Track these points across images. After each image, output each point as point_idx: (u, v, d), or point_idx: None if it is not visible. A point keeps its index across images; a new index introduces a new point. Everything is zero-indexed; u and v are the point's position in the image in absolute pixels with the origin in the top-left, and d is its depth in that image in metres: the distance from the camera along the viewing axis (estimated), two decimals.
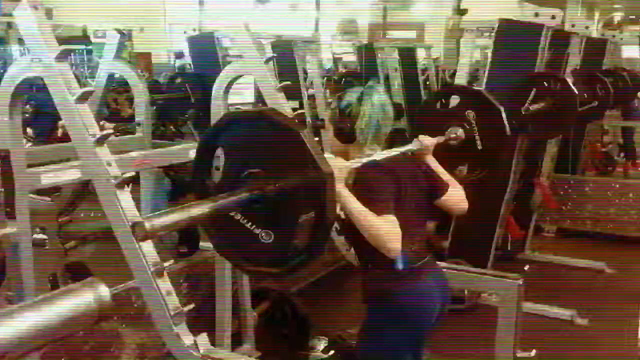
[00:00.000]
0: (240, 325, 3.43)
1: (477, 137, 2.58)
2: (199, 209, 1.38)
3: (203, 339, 1.79)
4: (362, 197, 1.78)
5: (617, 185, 5.55)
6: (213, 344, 2.99)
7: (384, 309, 1.95)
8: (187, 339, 1.77)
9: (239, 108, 3.83)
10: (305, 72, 6.41)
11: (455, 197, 2.13)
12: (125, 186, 1.85)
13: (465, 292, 3.96)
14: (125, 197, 1.83)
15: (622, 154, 8.62)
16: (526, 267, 2.57)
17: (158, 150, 2.86)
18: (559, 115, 3.59)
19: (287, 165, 1.45)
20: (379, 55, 7.50)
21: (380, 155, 1.92)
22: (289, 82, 2.83)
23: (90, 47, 17.73)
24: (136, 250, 1.82)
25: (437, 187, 2.09)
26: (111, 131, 1.88)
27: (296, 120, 1.51)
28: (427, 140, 2.16)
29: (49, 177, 2.13)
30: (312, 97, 6.06)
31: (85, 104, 1.88)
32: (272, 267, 1.56)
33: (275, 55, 2.96)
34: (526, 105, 3.56)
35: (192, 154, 2.80)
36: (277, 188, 1.45)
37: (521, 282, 2.35)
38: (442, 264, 2.46)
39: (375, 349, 1.98)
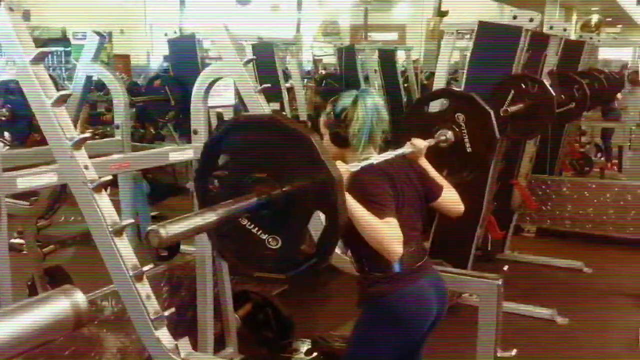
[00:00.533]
0: (222, 328, 3.42)
1: (466, 140, 2.59)
2: (211, 215, 1.36)
3: (184, 342, 1.77)
4: (362, 201, 1.77)
5: (594, 186, 5.62)
6: (195, 347, 2.99)
7: (378, 311, 1.94)
8: (168, 343, 1.76)
9: (219, 110, 3.83)
10: (285, 74, 6.41)
11: (451, 199, 2.13)
12: (103, 190, 1.83)
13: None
14: (103, 201, 1.82)
15: (599, 154, 8.76)
16: (505, 267, 2.59)
17: (137, 154, 2.84)
18: (536, 116, 3.62)
19: (295, 169, 1.44)
20: (359, 56, 7.52)
21: (376, 158, 1.92)
22: (268, 85, 2.83)
23: (69, 48, 17.54)
24: (114, 254, 1.80)
25: (432, 190, 2.09)
26: (88, 135, 1.85)
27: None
28: (420, 143, 2.16)
29: (26, 181, 2.09)
30: (292, 99, 6.08)
31: (62, 107, 1.86)
32: (279, 272, 1.57)
33: (254, 57, 2.94)
34: (505, 106, 3.59)
35: (172, 157, 2.80)
36: (285, 193, 1.44)
37: (501, 282, 2.37)
38: None
39: (366, 352, 1.97)
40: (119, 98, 3.18)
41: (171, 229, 1.25)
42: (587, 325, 3.87)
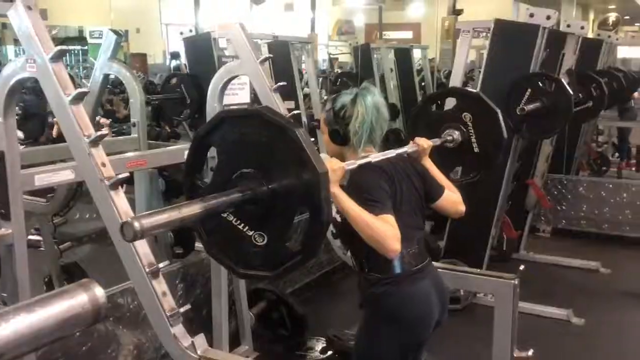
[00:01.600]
0: (237, 325, 3.43)
1: (473, 140, 2.57)
2: (190, 209, 1.34)
3: (201, 339, 1.78)
4: (359, 198, 1.76)
5: (611, 186, 5.56)
6: (210, 344, 3.00)
7: (380, 313, 1.93)
8: (185, 340, 1.77)
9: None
10: (300, 73, 6.42)
11: (452, 199, 2.11)
12: (120, 187, 1.85)
13: (461, 292, 3.97)
14: (119, 198, 1.83)
15: (616, 154, 8.66)
16: (521, 267, 2.56)
17: (153, 151, 2.86)
18: (553, 115, 3.59)
19: (282, 165, 1.42)
20: (375, 55, 7.51)
21: (375, 157, 1.91)
22: (284, 83, 2.83)
23: (86, 47, 17.72)
24: (131, 251, 1.81)
25: (433, 190, 2.07)
26: (107, 132, 1.86)
27: (291, 120, 1.48)
28: (424, 142, 2.13)
29: (44, 177, 2.11)
30: (307, 97, 6.09)
31: (80, 105, 1.88)
32: (265, 269, 1.53)
33: (270, 56, 2.94)
34: (521, 105, 3.57)
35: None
36: (270, 189, 1.43)
37: (516, 282, 2.35)
38: (438, 264, 2.47)
39: (370, 354, 1.96)
40: (136, 96, 3.19)
41: (146, 222, 1.23)
42: (603, 326, 3.84)
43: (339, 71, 9.57)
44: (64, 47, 1.89)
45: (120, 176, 1.84)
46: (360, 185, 1.81)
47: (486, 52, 3.91)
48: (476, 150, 2.57)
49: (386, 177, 1.88)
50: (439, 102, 2.82)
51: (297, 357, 3.32)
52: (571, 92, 3.59)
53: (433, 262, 2.24)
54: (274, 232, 1.48)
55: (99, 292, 0.87)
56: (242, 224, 1.50)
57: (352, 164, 1.82)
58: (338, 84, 7.48)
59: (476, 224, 4.05)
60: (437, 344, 3.52)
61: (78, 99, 1.86)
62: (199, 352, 1.75)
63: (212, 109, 2.93)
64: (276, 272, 1.53)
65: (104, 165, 1.85)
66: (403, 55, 8.04)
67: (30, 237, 5.19)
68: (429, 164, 2.15)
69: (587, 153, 7.34)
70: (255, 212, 1.47)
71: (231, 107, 3.90)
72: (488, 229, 4.03)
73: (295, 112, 2.76)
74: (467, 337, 3.55)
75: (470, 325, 3.72)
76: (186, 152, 2.92)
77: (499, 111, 2.61)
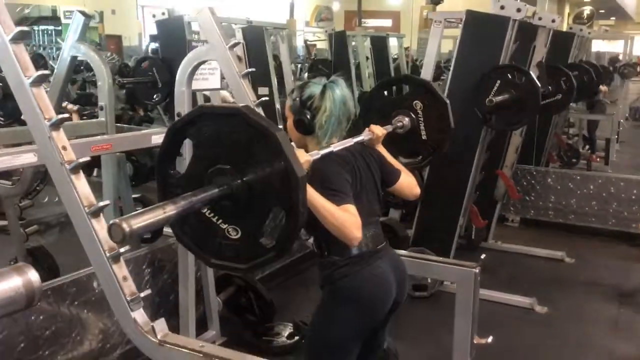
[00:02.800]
0: (205, 311, 3.44)
1: (422, 127, 2.64)
2: (173, 207, 1.35)
3: (161, 324, 1.78)
4: (321, 188, 1.79)
5: (579, 177, 5.66)
6: (177, 330, 3.02)
7: (337, 293, 1.97)
8: (145, 325, 1.77)
9: (206, 93, 3.81)
10: (276, 59, 6.39)
11: (408, 182, 2.18)
12: (81, 171, 1.83)
13: (429, 280, 4.03)
14: (80, 182, 1.82)
15: (587, 147, 8.82)
16: (482, 256, 2.61)
17: (119, 135, 2.83)
18: (522, 107, 3.65)
19: (260, 165, 1.44)
20: (352, 43, 7.51)
21: (336, 146, 1.93)
22: (253, 69, 2.82)
23: (59, 27, 17.35)
24: (92, 235, 1.80)
25: (390, 175, 2.13)
26: (68, 115, 1.84)
27: (271, 122, 1.48)
28: (378, 130, 2.18)
29: (5, 160, 2.09)
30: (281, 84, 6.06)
31: (41, 87, 1.85)
32: (237, 262, 1.56)
33: (239, 42, 2.93)
34: (490, 96, 3.61)
35: (155, 139, 2.80)
36: (247, 186, 1.45)
37: (478, 270, 2.39)
38: (403, 252, 2.50)
39: (327, 333, 1.99)
40: (103, 79, 3.16)
41: (134, 223, 1.24)
42: (566, 314, 3.93)
43: (314, 58, 9.54)
44: (25, 28, 1.85)
45: (80, 160, 1.82)
46: (323, 175, 1.84)
47: (457, 42, 3.94)
48: (424, 137, 2.64)
49: (348, 166, 1.92)
50: (393, 88, 2.87)
51: (264, 342, 3.34)
52: (539, 84, 3.65)
53: (398, 250, 2.30)
54: (248, 227, 1.50)
55: (34, 276, 0.87)
56: (217, 217, 1.52)
57: (315, 154, 1.85)
58: (313, 71, 7.47)
59: (444, 213, 4.11)
60: (401, 329, 3.59)
61: (38, 81, 1.84)
62: (159, 336, 1.75)
63: (180, 93, 2.91)
64: (249, 266, 1.55)
65: (64, 148, 1.83)
66: (379, 43, 8.06)
67: None
68: (382, 150, 2.20)
69: (557, 145, 7.46)
70: (230, 207, 1.49)
71: (203, 91, 3.89)
72: (456, 218, 4.08)
73: (264, 99, 2.75)
74: (432, 324, 3.62)
75: (435, 312, 3.79)
76: (153, 137, 2.92)
77: (447, 102, 2.68)
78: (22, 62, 1.85)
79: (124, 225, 1.21)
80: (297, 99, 1.99)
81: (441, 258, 2.61)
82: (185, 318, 3.10)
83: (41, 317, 2.70)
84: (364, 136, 2.14)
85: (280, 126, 1.87)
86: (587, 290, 4.35)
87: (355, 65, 7.52)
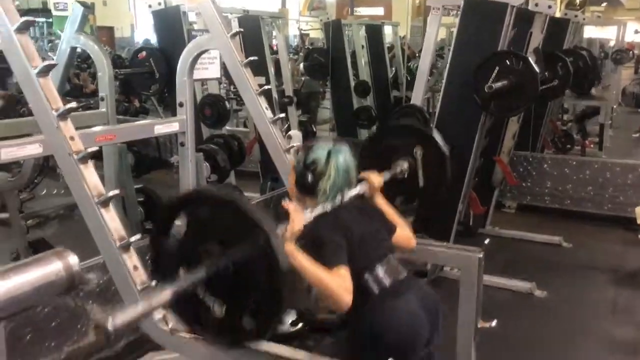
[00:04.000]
0: None
1: (420, 174, 2.71)
2: (160, 298, 1.39)
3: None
4: (313, 250, 1.76)
5: (575, 163, 5.70)
6: None
7: (363, 335, 1.85)
8: (157, 314, 1.79)
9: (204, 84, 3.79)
10: (271, 48, 6.38)
11: (405, 236, 2.13)
12: (89, 161, 1.84)
13: (428, 266, 4.06)
14: (89, 172, 1.82)
15: (580, 133, 8.84)
16: (486, 241, 2.64)
17: (123, 126, 2.83)
18: (520, 93, 3.66)
19: (250, 256, 1.50)
20: (346, 32, 7.48)
21: (329, 205, 1.91)
22: (255, 58, 2.82)
23: (50, 20, 17.20)
24: (101, 225, 1.82)
25: (386, 229, 2.06)
26: (75, 105, 1.84)
27: (265, 216, 1.54)
28: (374, 179, 2.16)
29: (10, 152, 2.08)
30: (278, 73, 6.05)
31: (47, 77, 1.86)
32: (220, 343, 1.64)
33: (241, 30, 2.92)
34: (489, 83, 3.62)
35: (157, 129, 2.80)
36: (231, 265, 1.50)
37: (482, 255, 2.41)
38: None
39: None
40: (104, 70, 3.15)
41: (119, 321, 1.17)
42: (564, 298, 3.97)
43: (310, 47, 9.52)
44: (30, 18, 1.85)
45: (89, 150, 1.83)
46: (314, 237, 1.81)
47: (456, 29, 3.95)
48: (421, 184, 2.71)
49: (341, 226, 1.87)
50: (391, 135, 2.94)
51: None
52: (538, 70, 3.66)
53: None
54: (233, 304, 1.56)
55: (73, 260, 0.88)
56: (205, 291, 1.58)
57: (307, 217, 1.83)
58: (309, 60, 7.44)
59: (444, 199, 4.12)
60: None
61: (45, 71, 1.84)
62: (170, 325, 1.77)
63: (181, 83, 2.90)
64: (230, 347, 1.64)
65: (72, 139, 1.84)
66: (374, 32, 8.03)
67: None
68: (380, 200, 2.17)
69: (552, 131, 7.49)
70: (217, 284, 1.54)
71: (203, 81, 3.87)
72: (455, 204, 4.10)
73: (266, 87, 2.75)
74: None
75: None
76: (156, 127, 2.91)
77: (447, 154, 2.76)
78: (28, 52, 1.85)
79: (108, 325, 1.13)
80: (302, 162, 1.98)
81: (445, 243, 2.62)
82: None
83: (46, 310, 2.70)
84: (359, 188, 2.10)
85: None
86: (585, 274, 4.40)
87: (350, 54, 7.50)
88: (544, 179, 5.75)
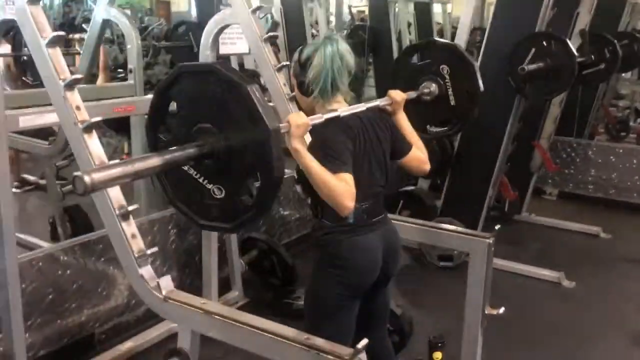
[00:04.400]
0: (228, 272, 3.53)
1: (450, 93, 2.56)
2: (145, 164, 1.38)
3: (166, 280, 1.84)
4: (320, 153, 1.77)
5: (622, 151, 5.46)
6: (200, 290, 3.10)
7: (326, 257, 1.98)
8: (151, 281, 1.84)
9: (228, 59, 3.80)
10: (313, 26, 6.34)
11: (417, 158, 2.10)
12: (94, 131, 1.89)
13: (455, 251, 4.01)
14: (92, 142, 1.87)
15: (638, 120, 8.45)
16: (497, 226, 2.56)
17: (143, 97, 2.89)
18: (556, 77, 3.53)
19: (236, 121, 1.45)
20: (394, 9, 7.34)
21: (343, 111, 1.89)
22: (276, 34, 2.81)
23: None
24: (102, 194, 1.86)
25: (399, 147, 2.07)
26: (80, 76, 1.89)
27: (245, 76, 1.49)
28: (397, 96, 2.10)
29: (28, 119, 2.16)
30: None
31: (57, 48, 1.90)
32: (222, 222, 1.59)
33: (262, 5, 2.92)
34: (524, 64, 3.50)
35: None
36: (226, 144, 1.46)
37: (491, 241, 2.35)
38: (418, 220, 2.49)
39: (315, 292, 2.03)
40: (133, 42, 3.21)
41: (97, 176, 1.25)
42: (594, 290, 3.84)
43: (358, 24, 9.38)
44: None
45: (93, 119, 1.87)
46: (323, 140, 1.82)
47: (493, 7, 3.83)
48: (452, 103, 2.57)
49: (350, 133, 1.87)
50: (418, 54, 2.78)
51: (284, 304, 3.40)
52: (575, 53, 3.51)
53: (416, 220, 2.29)
54: (231, 185, 1.52)
55: None
56: (202, 177, 1.56)
57: (318, 117, 1.82)
58: (353, 38, 7.35)
59: (474, 183, 4.05)
60: (420, 297, 3.62)
61: (54, 42, 1.89)
62: (164, 292, 1.82)
63: (204, 57, 2.93)
64: (233, 225, 1.59)
65: (78, 108, 1.88)
66: (423, 9, 7.87)
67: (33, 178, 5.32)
68: (401, 118, 2.13)
69: (604, 117, 7.19)
70: (213, 166, 1.52)
71: (230, 55, 3.91)
72: (486, 189, 4.02)
73: (285, 63, 2.74)
74: (453, 294, 3.56)
75: (458, 283, 3.74)
76: None
77: (475, 64, 2.60)
78: (39, 23, 1.90)
79: (86, 179, 1.23)
80: (297, 62, 1.97)
81: (454, 227, 2.57)
82: (207, 278, 3.18)
83: (68, 272, 2.82)
84: (380, 101, 2.08)
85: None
86: (620, 268, 4.24)
87: (396, 33, 7.37)
88: (588, 166, 5.54)
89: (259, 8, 2.79)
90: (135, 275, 1.84)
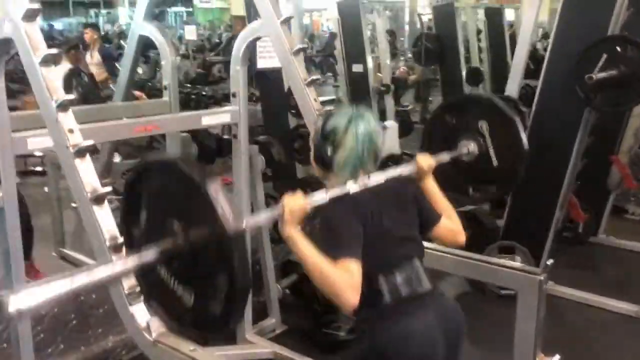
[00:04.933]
0: (265, 298, 3.35)
1: (491, 152, 2.25)
2: (90, 277, 1.23)
3: (157, 321, 1.68)
4: (322, 236, 1.56)
5: None
6: None
7: (372, 352, 1.62)
8: (142, 321, 1.68)
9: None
10: (391, 34, 6.11)
11: (449, 228, 1.83)
12: (87, 155, 1.76)
13: None
14: (85, 166, 1.74)
15: None
16: (550, 261, 2.23)
17: (166, 117, 2.77)
18: (631, 85, 3.12)
19: (199, 220, 1.30)
20: (461, 17, 7.02)
21: (353, 188, 1.64)
22: (305, 46, 2.62)
23: (190, 9, 18.10)
24: (94, 223, 1.74)
25: (426, 218, 1.79)
26: (73, 97, 1.77)
27: (205, 175, 1.33)
28: (424, 163, 1.87)
29: (36, 142, 2.08)
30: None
31: (51, 67, 1.80)
32: (197, 329, 1.49)
33: (292, 16, 2.73)
34: (593, 73, 3.12)
35: (205, 120, 2.71)
36: (188, 243, 1.32)
37: (543, 278, 2.04)
38: (454, 250, 2.20)
39: None
40: (167, 58, 3.12)
41: (24, 300, 1.08)
42: None
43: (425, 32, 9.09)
44: (35, 6, 1.79)
45: (84, 143, 1.74)
46: (327, 221, 1.59)
47: (559, 9, 3.46)
48: (495, 164, 2.25)
49: (359, 212, 1.62)
50: (455, 110, 2.46)
51: (323, 334, 3.18)
52: None
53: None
54: (200, 289, 1.39)
55: None
56: (172, 278, 1.43)
57: (321, 197, 1.58)
58: (417, 46, 7.07)
59: (539, 204, 3.67)
60: (476, 329, 3.26)
61: (48, 61, 1.78)
62: (154, 335, 1.66)
63: (235, 72, 2.79)
64: (204, 334, 1.56)
65: (71, 131, 1.77)
66: (493, 15, 7.48)
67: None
68: (429, 184, 1.88)
69: None
70: (181, 267, 1.38)
71: (266, 70, 3.74)
72: (552, 209, 3.62)
73: (315, 77, 2.53)
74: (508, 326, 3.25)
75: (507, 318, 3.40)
76: (204, 118, 2.81)
77: (516, 118, 2.26)
78: (33, 41, 1.80)
79: (10, 306, 1.05)
80: (319, 131, 1.72)
81: (501, 261, 2.26)
82: None
83: (93, 297, 2.74)
84: (402, 169, 1.83)
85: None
86: None
87: (465, 41, 7.02)
88: None
89: (289, 19, 2.61)
90: (126, 314, 1.70)
